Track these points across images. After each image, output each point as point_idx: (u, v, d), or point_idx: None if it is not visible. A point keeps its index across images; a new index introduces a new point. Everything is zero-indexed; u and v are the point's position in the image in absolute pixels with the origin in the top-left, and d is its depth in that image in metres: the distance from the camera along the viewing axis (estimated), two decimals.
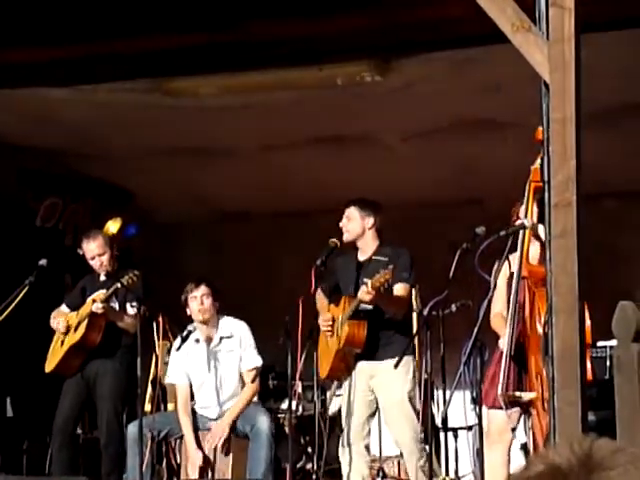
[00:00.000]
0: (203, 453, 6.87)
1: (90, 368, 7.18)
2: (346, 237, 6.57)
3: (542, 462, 1.24)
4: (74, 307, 7.34)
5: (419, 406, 6.48)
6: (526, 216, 5.42)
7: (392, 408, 6.49)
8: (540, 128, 5.18)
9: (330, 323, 6.54)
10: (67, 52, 7.00)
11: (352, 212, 6.57)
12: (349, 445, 6.52)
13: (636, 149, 8.19)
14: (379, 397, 6.51)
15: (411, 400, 6.45)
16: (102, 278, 7.30)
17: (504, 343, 5.39)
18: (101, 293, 7.10)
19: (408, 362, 6.41)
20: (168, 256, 10.72)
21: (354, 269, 6.59)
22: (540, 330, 5.20)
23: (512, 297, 5.39)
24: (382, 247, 6.59)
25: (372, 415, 6.62)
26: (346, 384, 6.64)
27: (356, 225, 6.56)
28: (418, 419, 6.43)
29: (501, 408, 5.42)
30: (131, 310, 7.04)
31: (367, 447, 6.64)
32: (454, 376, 5.59)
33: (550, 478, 1.21)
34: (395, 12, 6.40)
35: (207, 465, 6.85)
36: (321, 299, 6.70)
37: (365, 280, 6.22)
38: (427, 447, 6.42)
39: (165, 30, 6.76)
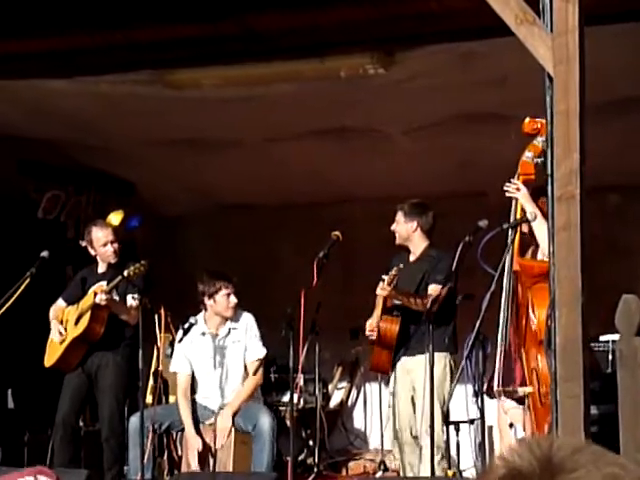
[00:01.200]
0: (203, 441, 6.87)
1: (92, 361, 7.17)
2: (397, 240, 6.92)
3: (503, 465, 1.23)
4: (72, 301, 7.32)
5: (448, 404, 6.53)
6: (515, 212, 5.44)
7: (420, 402, 6.59)
8: (527, 120, 5.18)
9: (372, 330, 6.78)
10: (68, 43, 6.98)
11: (398, 216, 6.92)
12: (398, 441, 6.74)
13: (637, 143, 8.16)
14: (414, 391, 6.70)
15: (439, 397, 6.47)
16: (101, 270, 7.29)
17: (498, 338, 5.39)
18: (103, 285, 7.09)
19: (440, 359, 6.50)
20: (170, 248, 10.71)
21: (407, 270, 6.80)
22: (534, 325, 5.20)
23: (504, 292, 5.39)
24: (430, 249, 6.89)
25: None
26: (392, 379, 6.89)
27: (401, 229, 6.88)
28: (444, 419, 6.50)
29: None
30: (132, 302, 7.03)
31: (415, 437, 6.75)
32: (457, 369, 5.59)
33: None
34: (398, 4, 6.37)
35: (207, 452, 6.85)
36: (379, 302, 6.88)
37: (383, 277, 6.54)
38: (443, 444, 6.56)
39: (167, 21, 6.74)
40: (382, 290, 6.55)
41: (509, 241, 5.46)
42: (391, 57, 7.17)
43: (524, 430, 5.43)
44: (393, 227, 6.90)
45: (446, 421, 6.41)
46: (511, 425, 5.39)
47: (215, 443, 6.81)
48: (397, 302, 6.69)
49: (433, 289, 6.64)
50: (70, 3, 6.65)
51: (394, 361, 6.80)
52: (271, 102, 8.03)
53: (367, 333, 6.83)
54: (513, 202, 5.53)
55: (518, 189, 5.38)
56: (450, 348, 6.67)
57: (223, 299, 7.03)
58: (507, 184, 5.51)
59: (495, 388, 5.33)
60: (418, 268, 6.79)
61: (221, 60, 7.29)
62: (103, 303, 6.92)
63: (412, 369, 6.72)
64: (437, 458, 6.45)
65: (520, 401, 5.45)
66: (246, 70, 7.44)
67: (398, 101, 7.88)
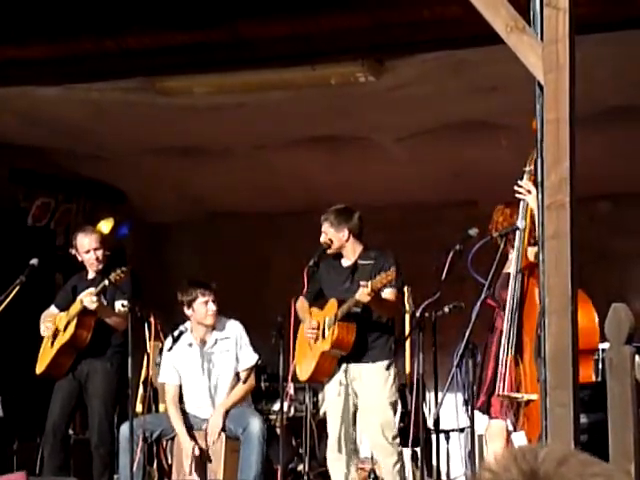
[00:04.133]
0: (199, 448, 6.86)
1: (81, 369, 7.15)
2: (330, 251, 6.62)
3: (489, 479, 1.21)
4: (63, 308, 7.31)
5: (399, 409, 6.49)
6: (524, 217, 5.40)
7: (370, 412, 6.47)
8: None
9: (315, 329, 6.54)
10: (59, 50, 6.97)
11: (325, 227, 6.62)
12: (339, 452, 6.51)
13: (630, 151, 8.18)
14: (359, 400, 6.50)
15: (392, 405, 6.45)
16: (90, 276, 7.27)
17: (502, 343, 5.36)
18: (90, 290, 7.07)
19: (391, 368, 6.43)
20: (160, 256, 10.70)
21: (339, 274, 6.61)
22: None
23: (509, 296, 5.36)
24: (366, 251, 6.63)
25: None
26: (328, 387, 6.62)
27: (334, 239, 6.60)
28: (395, 423, 6.45)
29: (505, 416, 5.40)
30: (120, 308, 6.99)
31: (355, 451, 6.61)
32: (446, 378, 5.58)
33: None
34: (390, 12, 6.38)
35: (198, 458, 6.83)
36: (303, 304, 6.68)
37: (363, 283, 6.23)
38: (402, 450, 6.47)
39: (158, 28, 6.74)
40: (367, 296, 6.23)
41: (517, 243, 5.42)
42: (382, 65, 7.18)
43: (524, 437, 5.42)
44: (322, 239, 6.59)
45: (436, 429, 6.39)
46: (511, 432, 5.35)
47: (207, 448, 6.79)
48: (357, 309, 6.40)
49: (391, 293, 6.44)
50: (61, 11, 6.64)
51: (337, 367, 6.53)
52: (262, 109, 8.03)
53: (309, 333, 6.52)
54: (521, 204, 5.45)
55: (529, 191, 5.32)
56: (393, 354, 6.53)
57: (201, 307, 6.96)
58: (517, 186, 5.43)
59: (500, 393, 5.30)
60: (362, 272, 6.46)
61: (212, 67, 7.29)
62: (93, 306, 6.88)
63: (358, 378, 6.47)
64: (399, 465, 6.39)
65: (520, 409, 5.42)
66: (237, 77, 7.44)
67: (389, 109, 7.89)
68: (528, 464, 1.20)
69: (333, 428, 6.56)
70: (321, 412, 7.93)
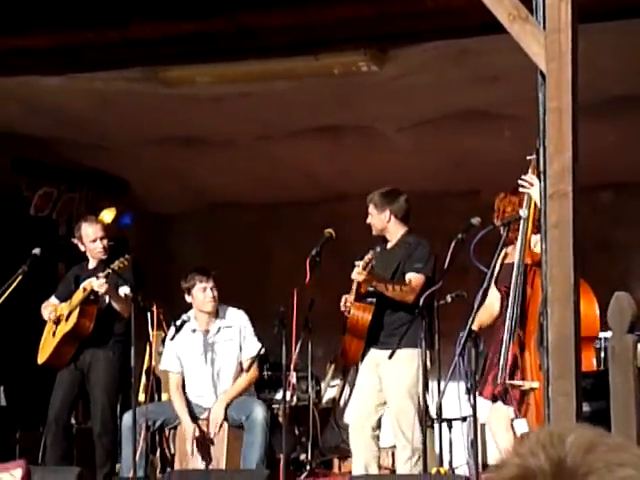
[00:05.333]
0: (201, 431, 6.87)
1: (83, 358, 7.16)
2: (373, 232, 6.73)
3: (516, 464, 1.22)
4: (64, 298, 7.31)
5: (422, 402, 6.44)
6: (528, 206, 5.40)
7: (391, 400, 6.50)
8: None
9: (346, 304, 6.59)
10: (62, 40, 6.96)
11: (370, 209, 6.71)
12: (356, 432, 6.56)
13: (633, 141, 8.17)
14: (383, 387, 6.53)
15: (411, 396, 6.41)
16: (91, 265, 7.27)
17: (505, 332, 5.37)
18: (93, 280, 7.08)
19: (413, 355, 6.36)
20: (162, 246, 10.70)
21: (382, 256, 6.65)
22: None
23: (512, 287, 5.37)
24: (407, 235, 6.69)
25: (382, 405, 6.60)
26: (360, 369, 6.71)
27: (375, 221, 6.68)
28: (419, 416, 6.39)
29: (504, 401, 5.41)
30: (126, 291, 6.95)
31: (375, 437, 6.61)
32: (449, 367, 5.58)
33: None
34: (392, 2, 6.37)
35: (200, 445, 6.84)
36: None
37: (357, 262, 6.32)
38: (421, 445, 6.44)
39: (161, 18, 6.73)
40: (358, 275, 6.31)
41: (520, 233, 5.43)
42: (384, 54, 7.17)
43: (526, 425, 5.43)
44: (368, 221, 6.69)
45: (439, 418, 6.39)
46: (513, 419, 5.36)
47: (209, 436, 6.81)
48: (371, 289, 6.46)
49: (412, 277, 6.46)
50: (64, 0, 6.64)
51: (363, 352, 6.58)
52: (265, 99, 8.03)
53: (342, 308, 6.58)
54: (526, 197, 5.45)
55: (532, 184, 5.32)
56: (425, 343, 6.46)
57: (199, 293, 6.98)
58: (520, 180, 5.44)
59: (500, 380, 5.31)
60: (394, 255, 6.56)
61: (215, 57, 7.28)
62: (102, 289, 6.86)
63: (381, 364, 6.49)
64: (414, 459, 6.36)
65: (522, 397, 5.44)
66: (240, 67, 7.44)
67: (391, 99, 7.88)
68: (555, 450, 1.20)
69: (359, 409, 6.63)
70: (324, 401, 7.95)
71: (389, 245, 6.69)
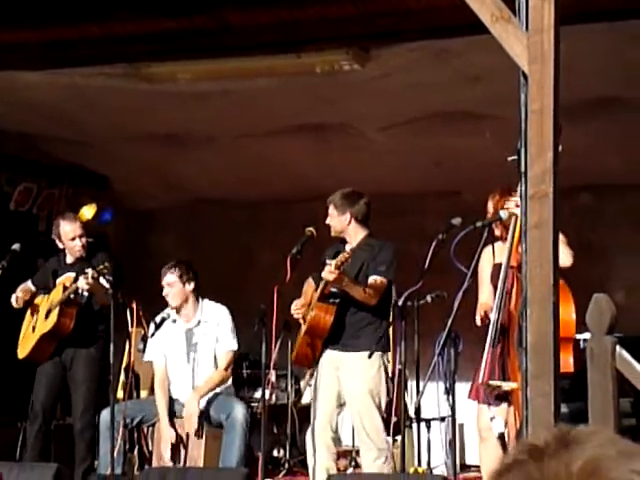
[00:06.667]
0: (176, 433, 6.85)
1: (66, 353, 7.13)
2: (332, 233, 6.62)
3: (520, 445, 1.25)
4: (40, 286, 7.28)
5: (384, 403, 6.43)
6: (514, 228, 5.40)
7: (353, 403, 6.43)
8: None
9: (298, 309, 6.51)
10: (43, 35, 6.94)
11: (330, 210, 6.60)
12: (314, 436, 6.47)
13: (613, 143, 8.21)
14: (343, 390, 6.46)
15: (374, 398, 6.37)
16: (69, 261, 7.24)
17: (489, 332, 5.38)
18: (70, 276, 7.04)
19: (376, 358, 6.36)
20: (142, 243, 10.68)
21: None
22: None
23: (499, 287, 5.38)
24: (369, 238, 6.59)
25: (341, 406, 6.54)
26: (316, 372, 6.58)
27: (335, 222, 6.57)
28: (382, 418, 6.37)
29: (489, 404, 5.42)
30: (105, 284, 6.87)
31: (335, 440, 6.54)
32: (428, 367, 5.60)
33: (527, 455, 1.22)
34: (375, 1, 6.38)
35: (179, 445, 6.83)
36: (309, 287, 6.65)
37: (328, 261, 6.23)
38: (390, 446, 6.41)
39: (143, 14, 6.71)
40: (330, 274, 6.16)
41: (509, 236, 5.43)
42: (367, 53, 7.17)
43: (506, 424, 5.44)
44: (328, 221, 6.58)
45: (417, 418, 6.40)
46: (492, 418, 5.38)
47: (187, 437, 6.79)
48: (335, 290, 6.37)
49: (375, 280, 6.40)
50: None
51: (320, 353, 6.49)
52: (247, 97, 8.01)
53: (295, 314, 6.48)
54: (512, 219, 5.44)
55: (517, 205, 5.32)
56: (385, 347, 6.47)
57: (164, 289, 7.02)
58: (506, 202, 5.44)
59: (480, 380, 5.33)
60: (356, 257, 6.40)
61: (197, 54, 7.26)
62: (87, 287, 6.81)
63: (341, 366, 6.42)
64: (380, 461, 6.32)
65: (505, 398, 5.46)
66: (222, 64, 7.42)
67: (373, 98, 7.89)
68: (560, 430, 1.24)
69: (314, 413, 6.53)
70: (303, 399, 7.94)
71: (349, 247, 6.58)
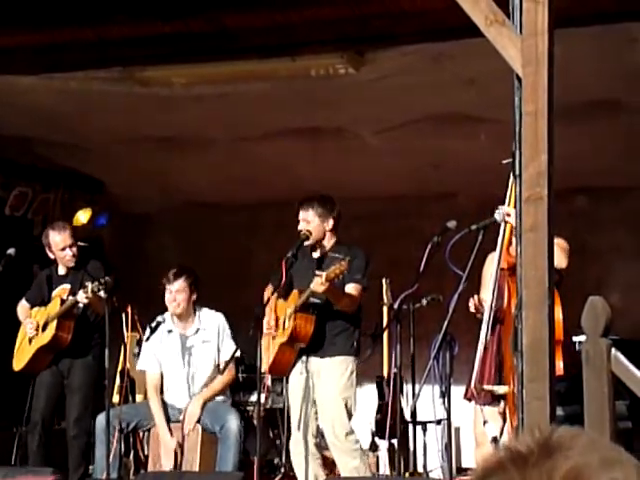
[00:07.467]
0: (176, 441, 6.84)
1: (63, 362, 7.11)
2: (309, 242, 6.42)
3: (504, 449, 1.27)
4: (35, 302, 7.24)
5: (354, 411, 6.42)
6: (503, 234, 5.39)
7: (323, 408, 6.41)
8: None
9: (272, 326, 6.47)
10: (38, 39, 6.93)
11: (309, 216, 6.42)
12: (298, 444, 6.45)
13: (608, 146, 8.21)
14: (315, 394, 6.44)
15: (345, 402, 6.34)
16: (61, 272, 7.19)
17: (481, 335, 5.37)
18: (66, 287, 7.02)
19: (347, 363, 6.36)
20: (138, 246, 10.67)
21: (309, 266, 6.47)
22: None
23: (490, 288, 5.38)
24: (338, 245, 6.49)
25: (317, 413, 6.50)
26: (290, 379, 6.57)
27: (318, 230, 6.42)
28: (348, 421, 6.34)
29: (484, 404, 5.42)
30: (101, 293, 6.83)
31: (317, 445, 6.51)
32: (424, 370, 5.59)
33: (510, 462, 1.24)
34: (369, 4, 6.38)
35: (175, 450, 6.81)
36: (268, 292, 6.57)
37: (318, 272, 6.16)
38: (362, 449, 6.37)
39: (138, 18, 6.71)
40: (320, 285, 6.08)
41: (500, 238, 5.43)
42: (362, 57, 7.17)
43: (501, 433, 5.44)
44: (304, 227, 6.36)
45: (413, 421, 6.39)
46: (485, 422, 5.38)
47: (183, 439, 6.78)
48: (317, 300, 6.31)
49: (354, 288, 6.35)
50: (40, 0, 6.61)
51: (295, 361, 6.45)
52: (242, 100, 8.01)
53: (269, 331, 6.39)
54: (502, 226, 5.43)
55: (508, 214, 5.31)
56: (356, 352, 6.44)
57: (168, 295, 6.94)
58: (497, 211, 5.43)
59: (472, 385, 5.32)
60: (327, 265, 6.27)
61: (192, 58, 7.26)
62: (86, 301, 6.77)
63: (317, 373, 6.39)
64: (355, 462, 6.31)
65: (497, 400, 5.46)
66: (217, 68, 7.42)
67: (369, 101, 7.89)
68: (542, 434, 1.26)
69: (294, 421, 6.52)
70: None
71: (316, 254, 6.50)
